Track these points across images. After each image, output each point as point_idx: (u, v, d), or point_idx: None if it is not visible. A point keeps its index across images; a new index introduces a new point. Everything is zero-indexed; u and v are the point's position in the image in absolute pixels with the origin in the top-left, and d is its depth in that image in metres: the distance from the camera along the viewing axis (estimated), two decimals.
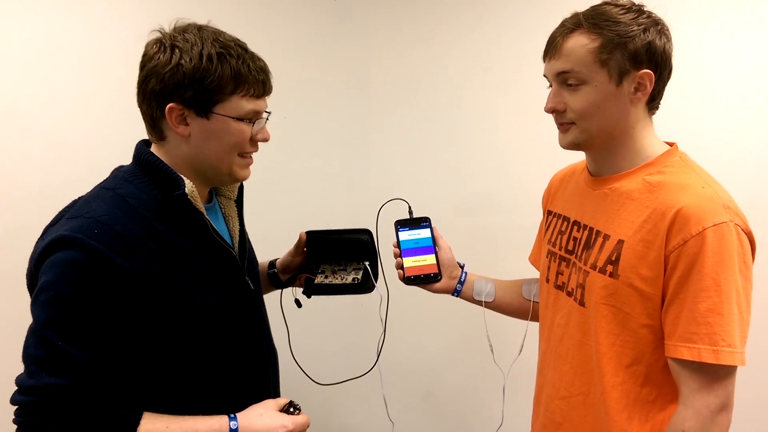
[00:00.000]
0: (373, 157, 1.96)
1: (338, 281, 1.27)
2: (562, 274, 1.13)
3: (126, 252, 0.87)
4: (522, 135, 1.90)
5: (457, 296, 1.34)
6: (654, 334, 0.98)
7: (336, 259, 1.32)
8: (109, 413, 0.88)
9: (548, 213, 1.25)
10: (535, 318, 1.30)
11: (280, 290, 1.33)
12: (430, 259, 1.33)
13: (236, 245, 1.11)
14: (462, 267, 1.35)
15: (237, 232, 1.12)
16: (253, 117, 0.98)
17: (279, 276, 1.32)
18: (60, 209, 0.99)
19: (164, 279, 0.91)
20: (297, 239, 1.31)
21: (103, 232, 0.86)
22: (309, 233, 1.30)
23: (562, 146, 1.08)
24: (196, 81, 0.92)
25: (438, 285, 1.32)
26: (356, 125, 1.96)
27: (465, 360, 1.98)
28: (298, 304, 1.32)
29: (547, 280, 1.18)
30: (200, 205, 0.97)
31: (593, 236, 1.06)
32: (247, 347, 1.06)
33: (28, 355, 0.86)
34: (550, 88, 1.06)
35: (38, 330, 0.85)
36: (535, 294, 1.32)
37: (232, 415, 0.95)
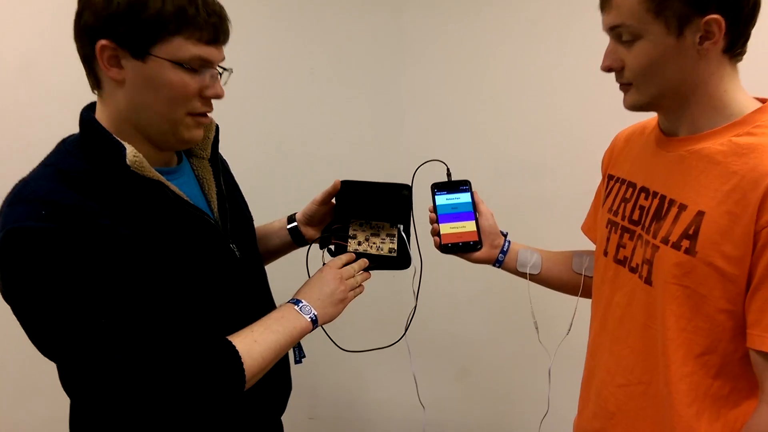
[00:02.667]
0: (408, 114, 1.81)
1: (373, 251, 1.15)
2: (624, 248, 1.00)
3: (84, 223, 0.77)
4: (575, 90, 1.73)
5: (498, 267, 1.22)
6: (734, 321, 0.85)
7: (367, 215, 1.18)
8: (201, 346, 0.85)
9: (609, 177, 1.10)
10: (586, 294, 1.18)
11: (306, 248, 1.19)
12: (469, 226, 1.21)
13: (215, 210, 0.99)
14: (505, 235, 1.23)
15: (213, 195, 1.00)
16: (200, 66, 0.85)
17: (301, 230, 1.19)
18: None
19: (135, 243, 0.81)
20: (330, 186, 1.15)
21: (51, 211, 0.76)
22: (345, 182, 1.15)
23: (625, 107, 0.94)
24: (132, 14, 0.79)
25: (478, 254, 1.19)
26: (389, 79, 1.81)
27: (505, 338, 1.87)
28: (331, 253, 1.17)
29: (605, 253, 1.05)
30: (151, 172, 0.85)
31: (665, 205, 0.92)
32: (236, 321, 0.94)
33: (79, 351, 0.77)
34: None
35: (68, 322, 0.76)
36: (587, 267, 1.19)
37: (294, 300, 0.99)
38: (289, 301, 1.00)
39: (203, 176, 1.01)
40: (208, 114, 0.92)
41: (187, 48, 0.82)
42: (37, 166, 0.86)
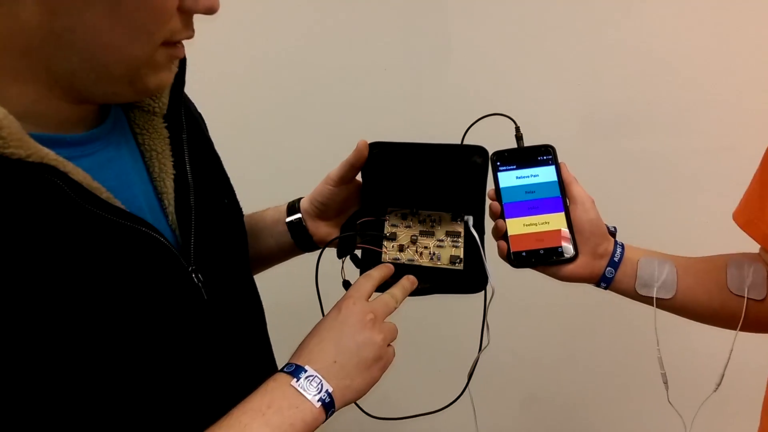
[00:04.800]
0: (454, 49, 1.30)
1: (425, 261, 0.71)
2: None
3: None
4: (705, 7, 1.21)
5: (605, 288, 0.76)
6: None
7: (413, 200, 0.73)
8: None
9: None
10: (753, 326, 0.73)
11: (316, 255, 0.73)
12: (555, 221, 0.75)
13: (169, 210, 0.57)
14: (613, 234, 0.76)
15: (169, 183, 0.57)
16: None
17: (308, 225, 0.76)
18: None
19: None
20: (354, 152, 0.70)
21: None
22: (376, 145, 0.70)
23: None
24: None
25: (572, 268, 0.74)
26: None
27: (586, 355, 1.39)
28: (347, 285, 0.70)
29: None
30: (27, 148, 0.43)
31: None
32: (197, 409, 0.54)
33: None
34: None
35: None
36: (752, 285, 0.73)
37: (291, 366, 0.57)
38: (282, 369, 0.58)
39: (151, 146, 0.57)
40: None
41: None
42: None
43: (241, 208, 0.71)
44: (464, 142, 0.76)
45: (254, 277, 0.72)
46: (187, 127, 0.59)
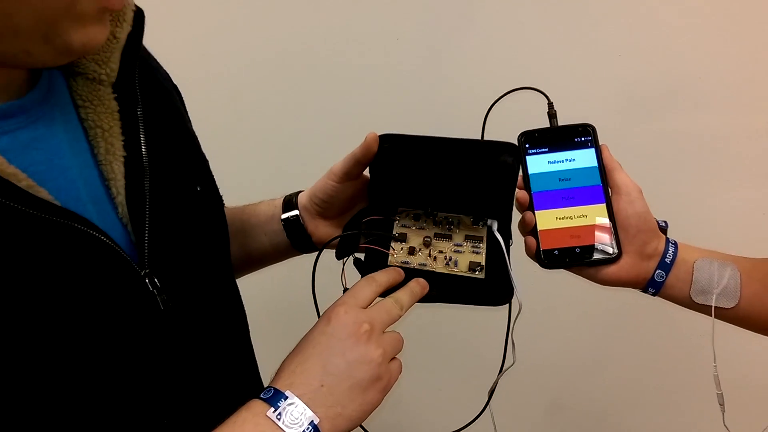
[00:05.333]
0: (476, 14, 1.15)
1: (440, 267, 0.62)
2: None
3: None
4: None
5: (654, 294, 0.64)
6: None
7: (429, 200, 0.64)
8: None
9: None
10: None
11: (313, 257, 0.63)
12: (594, 214, 0.64)
13: (119, 200, 0.47)
14: (664, 230, 0.64)
15: (117, 167, 0.47)
16: None
17: (307, 224, 0.67)
18: None
19: None
20: (361, 144, 0.60)
21: None
22: (388, 138, 0.61)
23: None
24: None
25: (614, 270, 0.62)
26: None
27: (613, 362, 1.27)
28: None
29: None
30: None
31: None
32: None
33: None
34: None
35: None
36: None
37: (270, 392, 0.47)
38: (261, 397, 0.47)
39: (95, 122, 0.47)
40: None
41: None
42: None
43: (220, 198, 0.61)
44: (487, 120, 0.64)
45: (244, 279, 0.63)
46: (145, 99, 0.49)
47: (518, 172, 0.63)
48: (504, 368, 0.62)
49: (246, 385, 0.57)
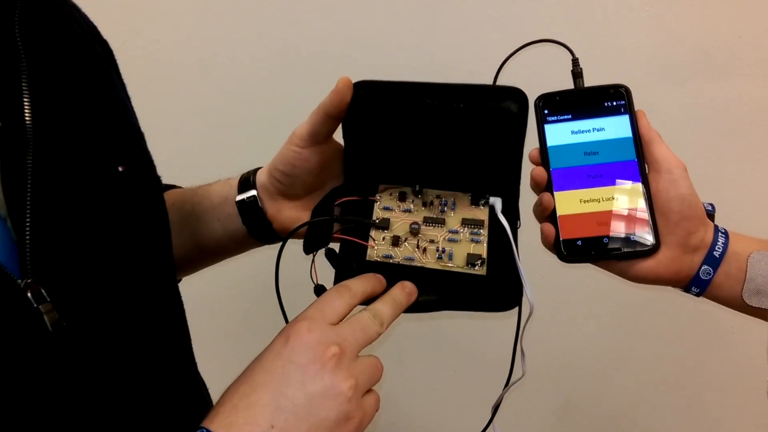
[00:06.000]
0: None
1: (431, 261, 0.50)
2: None
3: None
4: None
5: (698, 294, 0.53)
6: None
7: (415, 174, 0.52)
8: None
9: None
10: None
11: (276, 248, 0.51)
12: (628, 197, 0.52)
13: None
14: (711, 216, 0.53)
15: None
16: None
17: (266, 208, 0.55)
18: None
19: None
20: (330, 93, 0.48)
21: None
22: (361, 84, 0.49)
23: None
24: None
25: (651, 265, 0.51)
26: None
27: (629, 361, 1.15)
28: (321, 291, 0.50)
29: None
30: None
31: None
32: None
33: None
34: None
35: None
36: None
37: None
38: None
39: None
40: None
41: None
42: None
43: (158, 179, 0.49)
44: (499, 75, 0.52)
45: (189, 278, 0.51)
46: (37, 55, 0.37)
47: (525, 124, 0.50)
48: (511, 382, 0.52)
49: (186, 408, 0.46)
